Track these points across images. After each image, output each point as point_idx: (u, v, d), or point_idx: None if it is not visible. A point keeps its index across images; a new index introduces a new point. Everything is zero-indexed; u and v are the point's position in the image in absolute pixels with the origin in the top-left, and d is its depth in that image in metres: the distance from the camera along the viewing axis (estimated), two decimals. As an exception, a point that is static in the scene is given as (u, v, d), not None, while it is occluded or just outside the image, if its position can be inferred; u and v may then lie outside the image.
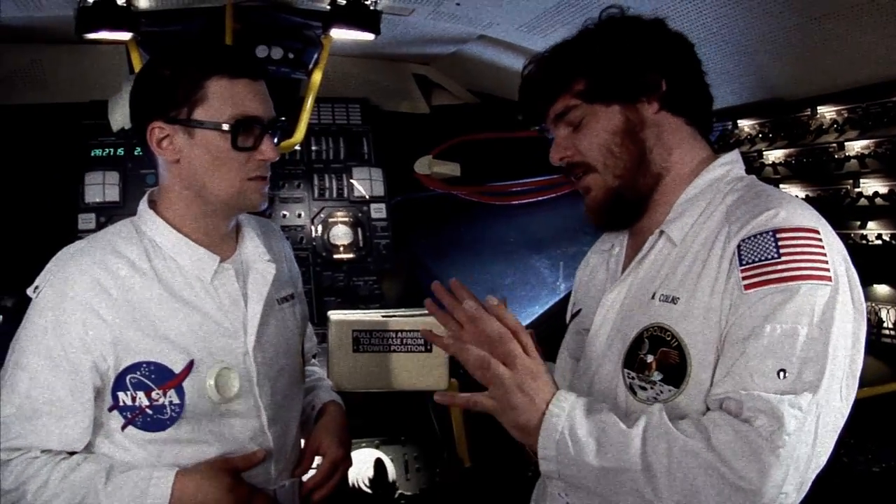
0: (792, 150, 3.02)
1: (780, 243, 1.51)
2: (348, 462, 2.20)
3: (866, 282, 2.81)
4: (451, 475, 3.18)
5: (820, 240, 1.52)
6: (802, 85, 2.90)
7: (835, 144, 2.82)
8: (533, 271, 4.67)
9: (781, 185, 3.09)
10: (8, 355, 1.82)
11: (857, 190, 2.77)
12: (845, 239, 2.79)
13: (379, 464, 3.31)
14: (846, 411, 1.52)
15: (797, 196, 2.97)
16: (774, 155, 3.09)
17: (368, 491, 3.30)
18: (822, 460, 1.46)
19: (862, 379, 1.58)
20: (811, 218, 1.56)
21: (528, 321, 4.43)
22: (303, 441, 2.21)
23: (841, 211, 2.83)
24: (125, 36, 3.27)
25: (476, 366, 1.59)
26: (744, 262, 1.53)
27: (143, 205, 1.96)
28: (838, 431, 1.50)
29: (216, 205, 1.92)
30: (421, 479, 3.63)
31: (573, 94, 1.76)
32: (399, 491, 3.49)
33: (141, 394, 1.81)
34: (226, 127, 1.84)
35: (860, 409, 1.62)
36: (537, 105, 1.84)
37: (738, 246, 1.55)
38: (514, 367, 1.57)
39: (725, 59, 2.91)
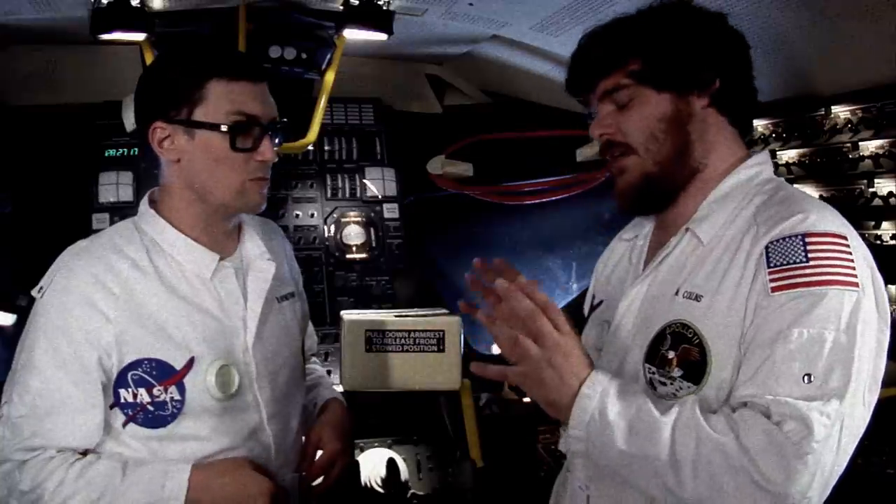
0: (806, 149, 3.01)
1: (808, 247, 1.51)
2: (347, 456, 2.22)
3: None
4: (463, 475, 3.18)
5: (848, 246, 1.53)
6: (816, 84, 2.89)
7: (849, 144, 2.80)
8: (546, 271, 4.68)
9: (795, 185, 3.07)
10: (15, 356, 1.83)
11: (871, 190, 2.75)
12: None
13: (391, 463, 3.31)
14: (868, 417, 1.53)
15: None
16: (788, 155, 3.08)
17: (381, 490, 3.30)
18: (844, 464, 1.47)
19: None
20: (839, 224, 1.57)
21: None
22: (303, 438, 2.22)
23: (855, 211, 2.81)
24: (139, 36, 3.28)
25: (505, 343, 1.58)
26: (772, 265, 1.53)
27: (144, 205, 1.99)
28: (860, 436, 1.51)
29: (216, 205, 1.94)
30: (433, 478, 3.63)
31: (627, 72, 1.72)
32: (411, 491, 3.49)
33: (142, 390, 1.82)
34: (224, 128, 1.85)
35: (876, 410, 1.62)
36: (587, 77, 1.80)
37: (767, 248, 1.55)
38: (544, 345, 1.54)
39: (739, 59, 2.90)
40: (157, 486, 1.79)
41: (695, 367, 1.60)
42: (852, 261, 1.51)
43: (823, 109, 2.89)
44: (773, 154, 3.13)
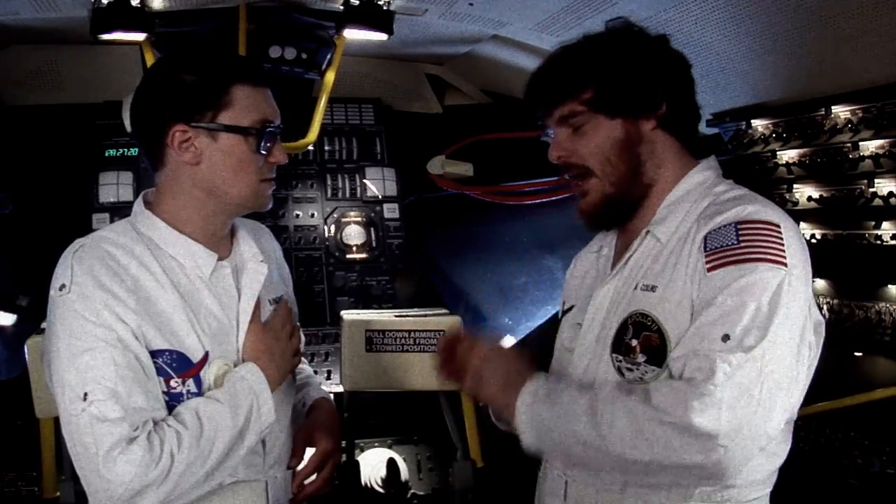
0: (806, 149, 3.01)
1: (739, 232, 1.69)
2: (338, 455, 2.24)
3: (881, 282, 2.81)
4: (463, 475, 3.18)
5: (780, 232, 1.69)
6: (817, 84, 2.89)
7: (849, 144, 2.80)
8: (545, 271, 4.67)
9: (795, 185, 3.08)
10: (52, 364, 1.79)
11: (871, 190, 2.75)
12: (859, 239, 2.78)
13: (392, 463, 3.31)
14: (803, 378, 1.72)
15: (809, 195, 2.97)
16: (788, 155, 3.08)
17: (381, 490, 3.30)
18: (775, 417, 1.61)
19: (877, 380, 1.62)
20: (775, 215, 1.74)
21: (541, 321, 4.44)
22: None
23: (855, 211, 2.82)
24: (139, 36, 3.28)
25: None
26: (707, 249, 1.72)
27: (139, 206, 1.99)
28: (792, 392, 1.67)
29: (231, 206, 1.98)
30: (433, 478, 3.63)
31: (581, 101, 1.87)
32: (412, 491, 3.50)
33: (161, 380, 1.83)
34: (252, 131, 1.91)
35: (875, 410, 1.64)
36: (544, 103, 1.95)
37: (705, 237, 1.74)
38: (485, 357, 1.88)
39: (739, 59, 2.90)
40: (248, 387, 1.88)
41: (656, 351, 1.76)
42: (782, 244, 1.67)
43: (823, 109, 2.89)
44: (773, 154, 3.13)
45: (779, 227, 1.70)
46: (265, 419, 1.91)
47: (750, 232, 1.68)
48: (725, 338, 1.60)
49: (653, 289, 1.80)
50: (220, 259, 1.99)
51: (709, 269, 1.69)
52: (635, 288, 1.85)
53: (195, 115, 1.89)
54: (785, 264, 1.65)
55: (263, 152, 1.94)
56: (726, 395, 1.55)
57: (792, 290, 1.64)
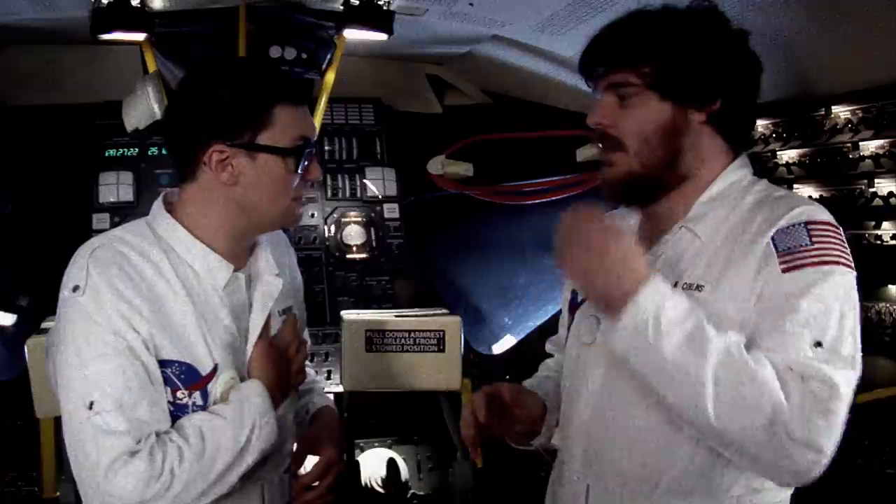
0: (806, 149, 3.01)
1: (811, 233, 1.64)
2: (342, 464, 2.21)
3: (881, 282, 2.81)
4: (463, 475, 3.19)
5: (841, 234, 1.67)
6: (817, 84, 2.89)
7: (849, 144, 2.80)
8: (546, 271, 4.67)
9: (795, 185, 3.08)
10: (59, 365, 1.77)
11: (871, 190, 2.76)
12: (860, 239, 2.78)
13: (392, 463, 3.32)
14: None
15: (809, 195, 2.98)
16: (788, 155, 3.08)
17: (381, 491, 3.31)
18: None
19: (877, 380, 1.62)
20: (829, 216, 1.70)
21: (541, 321, 4.45)
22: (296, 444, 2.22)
23: (855, 211, 2.82)
24: (139, 37, 3.29)
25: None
26: (780, 250, 1.64)
27: (159, 207, 1.95)
28: None
29: (260, 225, 1.97)
30: (433, 478, 3.63)
31: (637, 72, 1.76)
32: (411, 491, 3.50)
33: (168, 390, 1.81)
34: (291, 151, 1.89)
35: (875, 410, 1.64)
36: (599, 64, 1.84)
37: (773, 238, 1.65)
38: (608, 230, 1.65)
39: (739, 59, 2.90)
40: (252, 407, 1.85)
41: None
42: (846, 246, 1.66)
43: (823, 109, 2.90)
44: (773, 154, 3.13)
45: (839, 228, 1.68)
46: (267, 439, 1.88)
47: (821, 233, 1.64)
48: (817, 344, 1.55)
49: (699, 288, 1.71)
50: (235, 270, 1.96)
51: (784, 270, 1.62)
52: (675, 286, 1.72)
53: (234, 134, 1.85)
54: (853, 267, 1.64)
55: (301, 171, 1.91)
56: (841, 417, 1.52)
57: (856, 293, 1.64)
